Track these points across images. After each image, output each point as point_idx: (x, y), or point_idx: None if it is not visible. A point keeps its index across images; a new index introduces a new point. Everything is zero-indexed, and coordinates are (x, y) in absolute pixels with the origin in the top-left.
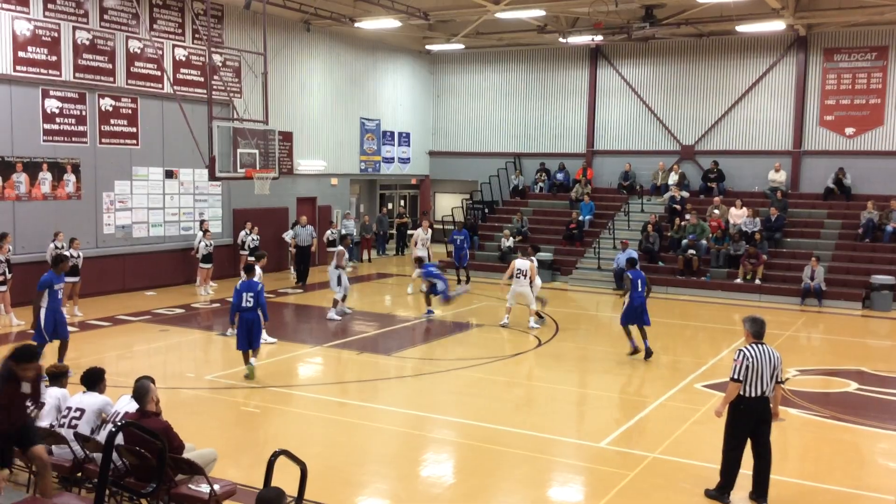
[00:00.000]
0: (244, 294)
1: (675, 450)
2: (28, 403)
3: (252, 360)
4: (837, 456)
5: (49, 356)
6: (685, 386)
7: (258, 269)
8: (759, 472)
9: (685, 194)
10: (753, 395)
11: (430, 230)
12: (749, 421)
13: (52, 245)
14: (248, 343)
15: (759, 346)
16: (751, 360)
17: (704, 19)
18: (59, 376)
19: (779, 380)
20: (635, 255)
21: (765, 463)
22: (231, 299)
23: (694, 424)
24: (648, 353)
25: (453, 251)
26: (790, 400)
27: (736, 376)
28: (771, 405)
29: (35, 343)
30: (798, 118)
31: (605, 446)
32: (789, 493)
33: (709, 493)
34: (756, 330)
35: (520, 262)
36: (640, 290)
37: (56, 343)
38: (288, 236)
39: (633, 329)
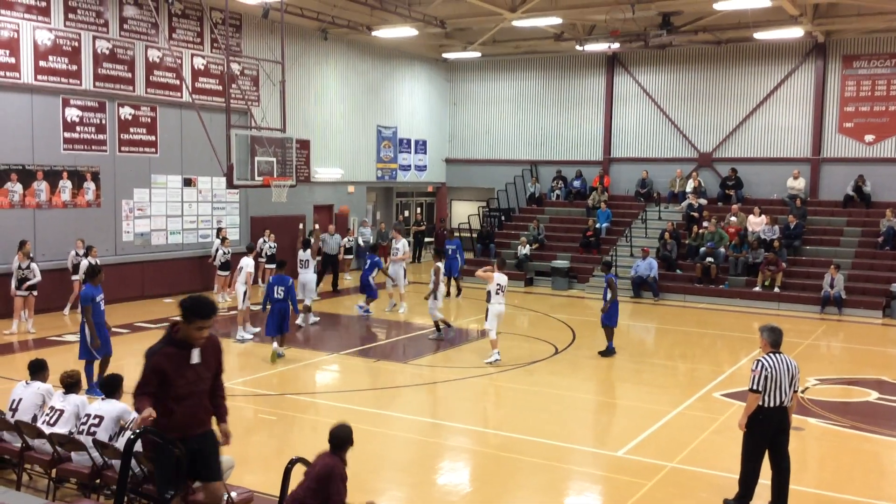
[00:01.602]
0: (276, 287)
1: (694, 459)
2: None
3: (274, 344)
4: (857, 465)
5: (61, 367)
6: (703, 395)
7: (249, 259)
8: (777, 482)
9: (703, 202)
10: (772, 405)
11: (402, 239)
12: (768, 431)
13: (72, 253)
14: (278, 329)
15: (777, 355)
16: (769, 370)
17: (722, 26)
18: (74, 384)
19: (795, 389)
20: (655, 261)
21: (783, 473)
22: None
23: (712, 433)
24: (613, 351)
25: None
26: (809, 409)
27: (755, 387)
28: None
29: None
30: (817, 125)
31: (623, 455)
32: (808, 502)
33: None
34: (774, 339)
35: (500, 276)
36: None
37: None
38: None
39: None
